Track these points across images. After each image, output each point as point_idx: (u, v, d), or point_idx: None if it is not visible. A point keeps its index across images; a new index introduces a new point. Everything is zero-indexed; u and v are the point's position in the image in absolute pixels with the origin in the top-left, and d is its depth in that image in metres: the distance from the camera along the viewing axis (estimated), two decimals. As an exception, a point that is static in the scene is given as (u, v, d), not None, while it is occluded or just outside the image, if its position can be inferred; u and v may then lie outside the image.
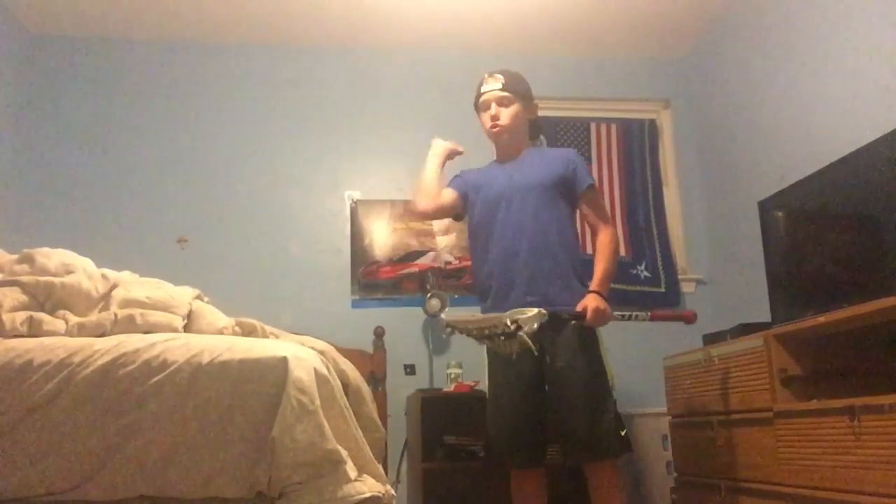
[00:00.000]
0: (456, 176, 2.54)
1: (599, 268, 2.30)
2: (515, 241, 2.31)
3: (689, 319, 2.32)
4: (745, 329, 2.60)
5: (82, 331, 1.79)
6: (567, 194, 2.39)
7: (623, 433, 2.20)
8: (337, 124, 3.86)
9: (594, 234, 2.41)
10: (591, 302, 2.18)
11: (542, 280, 2.26)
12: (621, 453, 2.21)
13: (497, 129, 2.41)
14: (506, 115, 2.40)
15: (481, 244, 2.40)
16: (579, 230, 2.52)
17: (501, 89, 2.40)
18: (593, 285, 2.25)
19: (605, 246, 2.35)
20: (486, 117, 2.44)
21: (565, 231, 2.36)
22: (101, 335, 1.77)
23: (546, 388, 2.26)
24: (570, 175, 2.38)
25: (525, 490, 2.29)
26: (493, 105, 2.41)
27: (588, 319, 2.16)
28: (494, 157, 2.54)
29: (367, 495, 1.56)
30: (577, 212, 2.46)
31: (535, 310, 2.04)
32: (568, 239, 2.36)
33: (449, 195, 2.48)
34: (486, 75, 2.45)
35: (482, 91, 2.44)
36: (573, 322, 2.21)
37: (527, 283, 2.27)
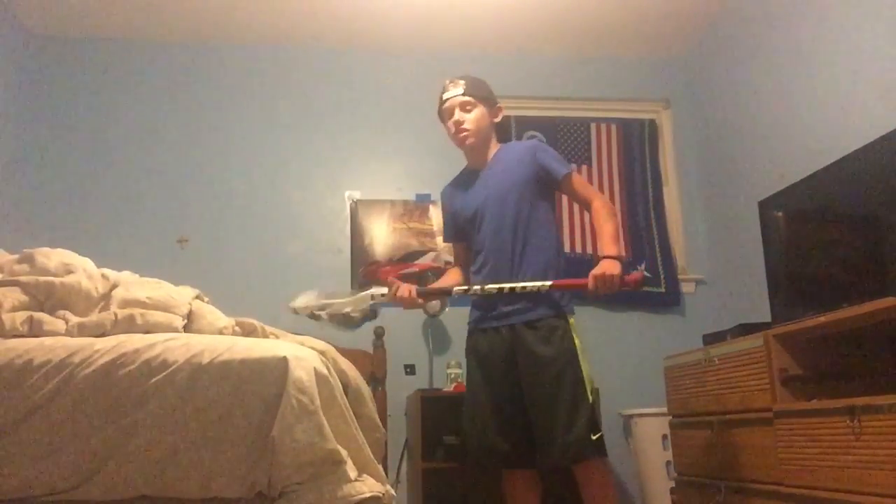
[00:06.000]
0: (446, 225, 2.58)
1: (604, 230, 2.27)
2: (497, 250, 2.31)
3: (633, 284, 2.19)
4: (745, 329, 2.60)
5: (82, 331, 1.79)
6: (543, 187, 2.37)
7: (595, 437, 2.15)
8: (337, 124, 3.86)
9: (588, 209, 2.39)
10: (598, 268, 2.15)
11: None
12: (592, 457, 2.16)
13: (463, 133, 2.38)
14: (469, 119, 2.37)
15: (473, 256, 2.41)
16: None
17: (463, 94, 2.38)
18: (603, 249, 2.23)
19: (599, 211, 2.31)
20: (450, 124, 2.41)
21: (545, 229, 2.34)
22: (101, 335, 1.77)
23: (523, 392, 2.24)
24: (540, 172, 2.36)
25: (514, 489, 2.31)
26: (457, 111, 2.38)
27: (589, 287, 2.13)
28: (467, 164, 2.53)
29: (367, 495, 1.56)
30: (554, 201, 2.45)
31: (368, 294, 2.29)
32: (548, 238, 2.34)
33: (462, 251, 2.52)
34: (448, 82, 2.43)
35: (444, 98, 2.41)
36: (546, 324, 2.21)
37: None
